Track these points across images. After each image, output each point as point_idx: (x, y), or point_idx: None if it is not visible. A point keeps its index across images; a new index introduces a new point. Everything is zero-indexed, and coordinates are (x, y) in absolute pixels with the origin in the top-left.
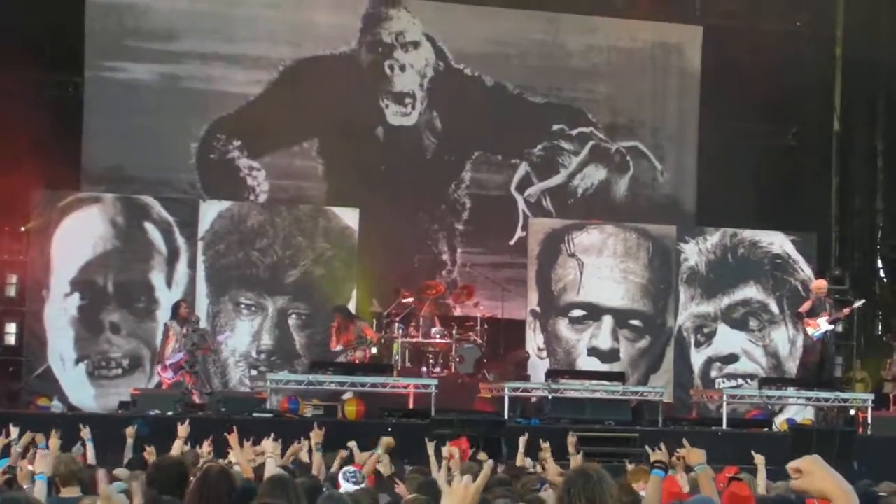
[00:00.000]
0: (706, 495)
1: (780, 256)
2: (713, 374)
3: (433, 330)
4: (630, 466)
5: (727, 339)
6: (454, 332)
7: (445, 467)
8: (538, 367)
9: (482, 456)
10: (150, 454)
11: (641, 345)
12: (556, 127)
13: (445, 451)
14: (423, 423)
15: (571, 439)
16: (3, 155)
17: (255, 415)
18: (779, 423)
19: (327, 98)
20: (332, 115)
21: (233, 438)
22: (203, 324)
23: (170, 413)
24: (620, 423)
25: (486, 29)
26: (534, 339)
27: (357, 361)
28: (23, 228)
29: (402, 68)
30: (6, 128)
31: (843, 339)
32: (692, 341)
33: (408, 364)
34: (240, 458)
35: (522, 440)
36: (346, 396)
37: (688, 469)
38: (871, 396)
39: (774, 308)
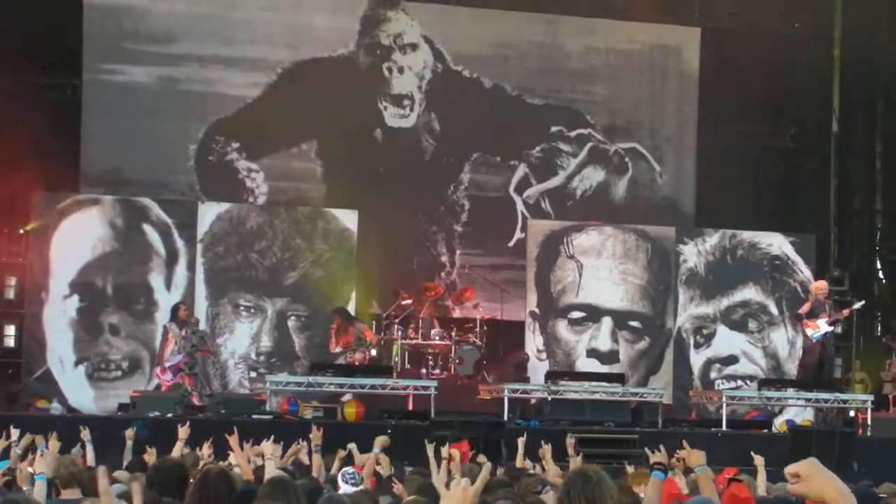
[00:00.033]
0: (706, 496)
1: (779, 258)
2: (712, 375)
3: (432, 331)
4: (630, 468)
5: (726, 341)
6: (453, 333)
7: (445, 469)
8: (537, 368)
9: (482, 458)
10: (150, 456)
11: (641, 346)
12: (554, 128)
13: (445, 451)
14: (422, 424)
15: (570, 440)
16: (2, 157)
17: (254, 416)
18: (778, 424)
19: (326, 100)
20: (331, 118)
21: (233, 440)
22: (202, 326)
23: (169, 415)
24: (620, 425)
25: (484, 31)
26: (533, 341)
27: (356, 363)
28: (22, 230)
29: (401, 70)
30: (5, 130)
31: (843, 341)
32: (691, 343)
33: (407, 366)
34: (240, 460)
35: (521, 442)
36: (345, 398)
37: (687, 470)
38: (870, 397)
39: (774, 309)
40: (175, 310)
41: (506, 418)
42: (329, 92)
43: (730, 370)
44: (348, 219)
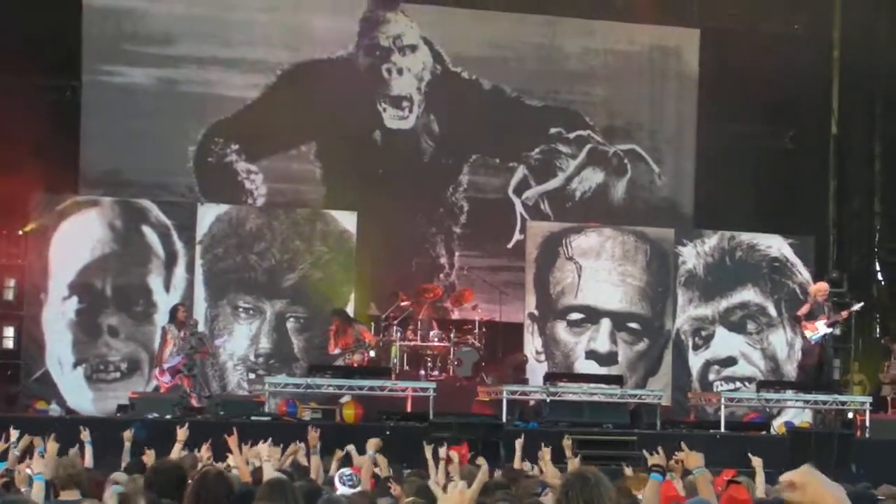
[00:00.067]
0: (704, 498)
1: (778, 259)
2: (711, 377)
3: (431, 333)
4: (628, 470)
5: (725, 342)
6: (452, 335)
7: (443, 470)
8: (536, 370)
9: (481, 461)
10: (148, 457)
11: (639, 348)
12: (553, 130)
13: (442, 451)
14: (421, 426)
15: (567, 442)
16: (2, 158)
17: (253, 418)
18: (777, 426)
19: (325, 102)
20: (330, 119)
21: (232, 441)
22: (201, 327)
23: (168, 416)
24: (618, 427)
25: (483, 32)
26: (532, 343)
27: (355, 365)
28: (21, 232)
29: (400, 72)
30: (4, 131)
31: (841, 342)
32: (690, 344)
33: (406, 367)
34: (238, 462)
35: (519, 443)
36: (344, 400)
37: (686, 472)
38: (869, 399)
39: (772, 311)
40: (174, 311)
41: (504, 420)
42: (328, 93)
43: (728, 372)
44: (347, 220)
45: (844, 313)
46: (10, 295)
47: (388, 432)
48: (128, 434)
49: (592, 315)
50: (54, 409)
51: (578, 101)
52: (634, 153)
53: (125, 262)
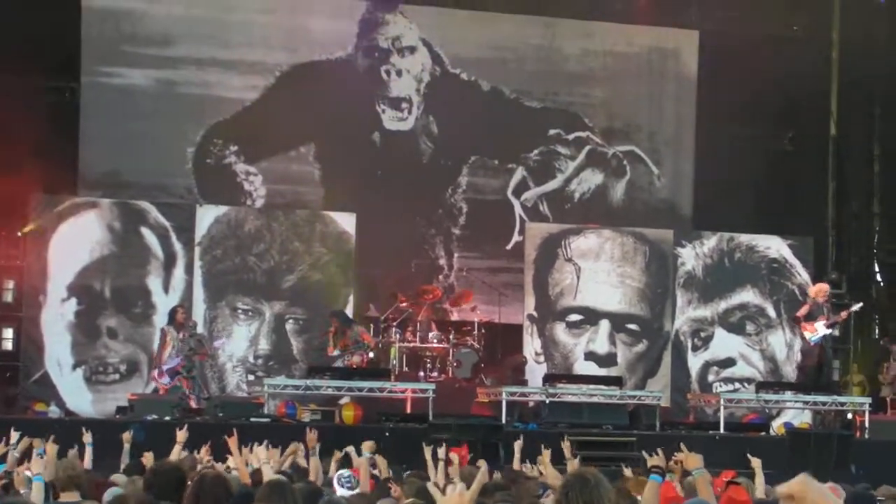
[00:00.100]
0: (703, 499)
1: (777, 260)
2: (710, 378)
3: (430, 334)
4: (627, 471)
5: (724, 343)
6: (451, 336)
7: (442, 471)
8: (535, 371)
9: (481, 462)
10: (147, 459)
11: (639, 349)
12: (552, 131)
13: (441, 452)
14: (420, 427)
15: (566, 444)
16: (1, 159)
17: (252, 420)
18: (776, 426)
19: (324, 103)
20: (329, 120)
21: (232, 442)
22: (200, 329)
23: (167, 418)
24: (618, 428)
25: (482, 34)
26: (531, 344)
27: (354, 366)
28: (20, 233)
29: (399, 73)
30: (3, 132)
31: (841, 343)
32: (689, 345)
33: (405, 369)
34: (238, 463)
35: (518, 445)
36: (343, 401)
37: (685, 474)
38: (868, 400)
39: (771, 312)
40: (173, 313)
41: (504, 421)
42: (327, 95)
43: (727, 373)
44: (346, 222)
45: (844, 314)
46: (8, 297)
47: (387, 433)
48: (127, 436)
49: (591, 316)
50: (53, 411)
51: (577, 103)
52: (633, 154)
53: (124, 263)
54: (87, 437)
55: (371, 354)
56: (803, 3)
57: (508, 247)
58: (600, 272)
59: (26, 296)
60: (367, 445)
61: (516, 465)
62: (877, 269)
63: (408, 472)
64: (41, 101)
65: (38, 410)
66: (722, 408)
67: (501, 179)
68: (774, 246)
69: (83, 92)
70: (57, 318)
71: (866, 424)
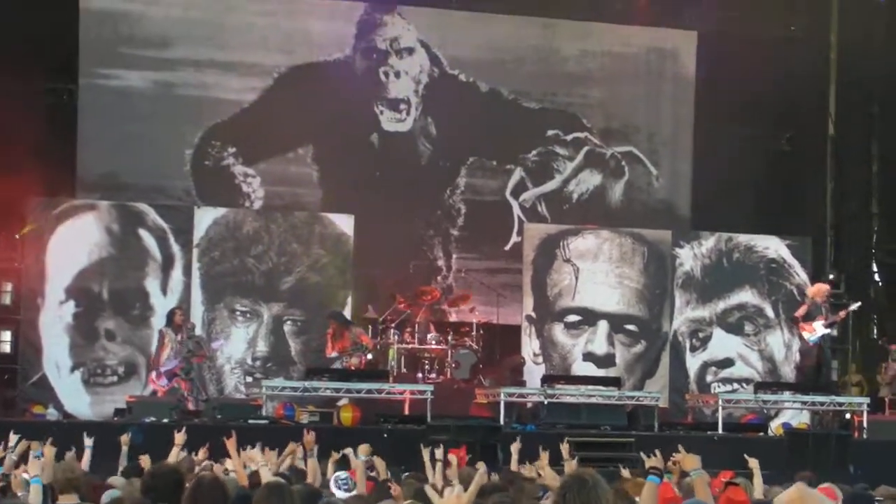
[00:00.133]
0: (701, 499)
1: (776, 261)
2: (709, 378)
3: (429, 336)
4: (625, 472)
5: (722, 344)
6: (450, 337)
7: (441, 472)
8: (534, 372)
9: (479, 464)
10: (144, 462)
11: (637, 350)
12: (550, 132)
13: (439, 453)
14: (419, 429)
15: (565, 446)
16: None
17: (250, 421)
18: (775, 427)
19: (322, 105)
20: (327, 122)
21: (231, 444)
22: (198, 331)
23: (165, 420)
24: (616, 429)
25: (480, 35)
26: (529, 345)
27: (353, 368)
28: (17, 236)
29: (397, 74)
30: (1, 134)
31: (839, 343)
32: (687, 346)
33: (403, 370)
34: (236, 465)
35: (515, 448)
36: (341, 403)
37: (683, 475)
38: (866, 400)
39: (770, 312)
40: (171, 315)
41: (502, 422)
42: (325, 96)
43: (726, 373)
44: (344, 223)
45: (842, 313)
46: (6, 299)
47: (385, 435)
48: (125, 438)
49: (590, 317)
50: (51, 414)
51: (576, 104)
52: (632, 155)
53: (122, 265)
54: (88, 441)
55: (369, 356)
56: (801, 3)
57: (507, 248)
58: (598, 273)
59: (24, 298)
60: (363, 449)
61: (514, 466)
62: (875, 269)
63: (406, 474)
64: (39, 103)
65: (37, 413)
66: (720, 408)
67: (500, 180)
68: (773, 246)
69: (81, 94)
70: (55, 321)
71: (864, 425)
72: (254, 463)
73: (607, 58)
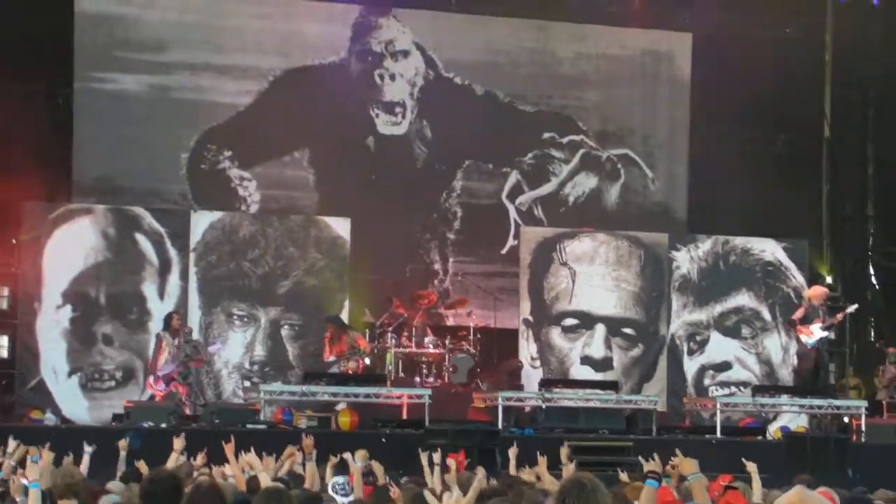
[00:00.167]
0: (698, 503)
1: (772, 264)
2: (706, 382)
3: (426, 340)
4: (623, 475)
5: (720, 347)
6: (447, 341)
7: (439, 477)
8: (531, 376)
9: (479, 469)
10: (141, 467)
11: (634, 353)
12: (546, 135)
13: (437, 457)
14: (416, 433)
15: (565, 450)
16: None
17: (248, 426)
18: (773, 430)
19: (318, 108)
20: (323, 125)
21: (229, 449)
22: (195, 335)
23: (163, 425)
24: (614, 432)
25: (476, 37)
26: (527, 349)
27: (350, 372)
28: (14, 240)
29: (392, 77)
30: None
31: (836, 346)
32: (685, 349)
33: (401, 374)
34: (235, 470)
35: (512, 452)
36: (339, 407)
37: (682, 478)
38: (864, 403)
39: (767, 315)
40: (168, 319)
41: (500, 426)
42: (321, 100)
43: (723, 377)
44: (341, 227)
45: (840, 315)
46: (3, 304)
47: (383, 439)
48: (123, 443)
49: (587, 321)
50: (49, 419)
51: (571, 106)
52: (627, 158)
53: (119, 270)
54: (88, 448)
55: (367, 360)
56: (797, 5)
57: (503, 251)
58: (595, 276)
59: (21, 303)
60: (361, 455)
61: (512, 470)
62: (872, 271)
63: (405, 479)
64: (34, 107)
65: (34, 418)
66: (718, 412)
67: (496, 183)
68: (769, 249)
69: (77, 98)
70: (52, 325)
71: (863, 428)
72: (252, 468)
73: (603, 60)
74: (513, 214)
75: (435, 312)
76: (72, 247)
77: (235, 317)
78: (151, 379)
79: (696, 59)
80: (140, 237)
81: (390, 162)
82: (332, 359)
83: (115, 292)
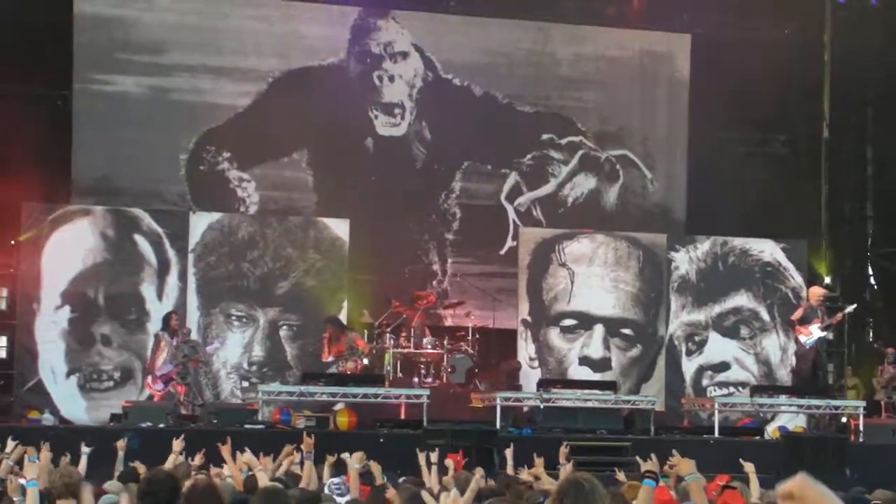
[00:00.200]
0: (695, 503)
1: (771, 264)
2: (705, 382)
3: (424, 340)
4: (620, 475)
5: (718, 348)
6: (446, 342)
7: (436, 476)
8: (530, 376)
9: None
10: (139, 468)
11: (633, 353)
12: (545, 136)
13: (434, 456)
14: (415, 433)
15: (564, 450)
16: None
17: (246, 426)
18: (771, 430)
19: (316, 109)
20: (322, 126)
21: (225, 450)
22: (194, 335)
23: (161, 425)
24: (612, 432)
25: (474, 39)
26: (525, 349)
27: (348, 372)
28: (13, 241)
29: (391, 79)
30: None
31: (835, 347)
32: (683, 350)
33: (399, 374)
34: (232, 471)
35: (509, 452)
36: (337, 407)
37: (680, 479)
38: (862, 403)
39: (765, 316)
40: (167, 319)
41: (498, 427)
42: (320, 101)
43: (722, 377)
44: (340, 228)
45: (839, 315)
46: (2, 304)
47: (381, 440)
48: (121, 444)
49: (585, 321)
50: (47, 419)
51: (570, 107)
52: (626, 159)
53: (117, 270)
54: (86, 449)
55: (365, 360)
56: (795, 6)
57: (502, 252)
58: (594, 277)
59: (20, 303)
60: (357, 457)
61: (510, 470)
62: (870, 272)
63: (403, 479)
64: (34, 109)
65: (32, 418)
66: (716, 412)
67: (495, 184)
68: (768, 249)
69: (76, 99)
70: (50, 326)
71: (861, 428)
72: (251, 466)
73: (602, 61)
74: (512, 215)
75: (434, 313)
76: (71, 248)
77: (234, 317)
78: (150, 379)
79: (695, 60)
80: (139, 238)
81: (389, 163)
82: (330, 359)
83: (114, 293)
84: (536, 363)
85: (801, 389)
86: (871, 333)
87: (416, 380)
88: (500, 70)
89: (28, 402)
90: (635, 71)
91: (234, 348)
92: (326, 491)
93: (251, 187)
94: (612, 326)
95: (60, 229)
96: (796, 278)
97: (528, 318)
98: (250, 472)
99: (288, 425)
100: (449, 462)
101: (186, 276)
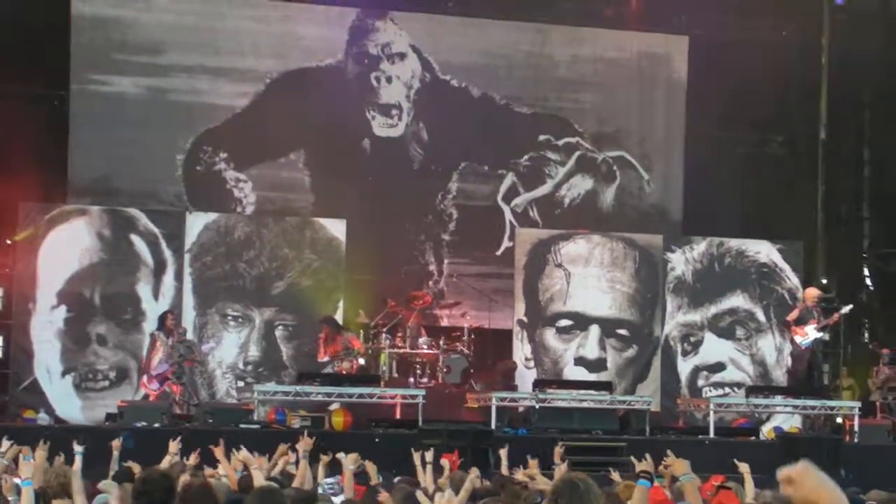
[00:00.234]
0: (690, 503)
1: (767, 265)
2: (700, 382)
3: (420, 340)
4: (615, 475)
5: (714, 348)
6: (441, 342)
7: (431, 476)
8: (525, 376)
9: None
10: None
11: (628, 354)
12: (542, 137)
13: (429, 456)
14: (410, 433)
15: (559, 450)
16: None
17: (242, 426)
18: (766, 431)
19: (314, 110)
20: (319, 127)
21: (219, 451)
22: (189, 335)
23: (157, 425)
24: (608, 433)
25: (472, 40)
26: (521, 349)
27: (344, 372)
28: (9, 241)
29: (389, 80)
30: None
31: (830, 348)
32: (679, 350)
33: (395, 375)
34: (227, 470)
35: (503, 452)
36: (333, 407)
37: (675, 479)
38: (858, 404)
39: (761, 316)
40: (162, 319)
41: (493, 427)
42: (317, 102)
43: (717, 377)
44: (336, 228)
45: (835, 316)
46: None
47: (377, 440)
48: (116, 443)
49: (581, 322)
50: (43, 418)
51: (567, 108)
52: (623, 160)
53: (113, 270)
54: (78, 448)
55: (361, 361)
56: (794, 8)
57: (498, 252)
58: (590, 277)
59: (16, 303)
60: (352, 458)
61: (504, 470)
62: (866, 273)
63: (398, 479)
64: (30, 109)
65: (28, 418)
66: (712, 412)
67: (491, 185)
68: (764, 250)
69: (73, 99)
70: (46, 326)
71: (856, 428)
72: (247, 464)
73: (599, 63)
74: (508, 216)
75: (429, 313)
76: (67, 247)
77: (230, 317)
78: (145, 378)
79: (692, 61)
80: (135, 238)
81: (386, 164)
82: (326, 359)
83: (110, 293)
84: (532, 363)
85: (797, 390)
86: (867, 334)
87: (411, 380)
88: (498, 71)
89: (23, 402)
90: (633, 72)
91: (229, 348)
92: (320, 491)
93: (248, 188)
94: (608, 327)
95: (57, 229)
96: (792, 279)
97: (524, 319)
98: (245, 472)
99: (283, 425)
100: (444, 462)
101: (182, 276)
